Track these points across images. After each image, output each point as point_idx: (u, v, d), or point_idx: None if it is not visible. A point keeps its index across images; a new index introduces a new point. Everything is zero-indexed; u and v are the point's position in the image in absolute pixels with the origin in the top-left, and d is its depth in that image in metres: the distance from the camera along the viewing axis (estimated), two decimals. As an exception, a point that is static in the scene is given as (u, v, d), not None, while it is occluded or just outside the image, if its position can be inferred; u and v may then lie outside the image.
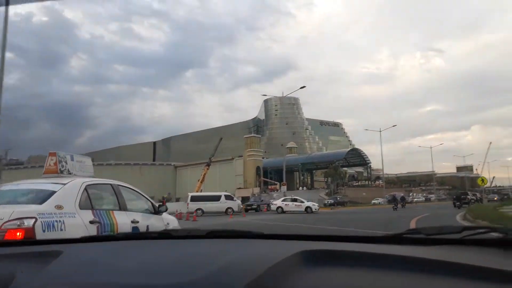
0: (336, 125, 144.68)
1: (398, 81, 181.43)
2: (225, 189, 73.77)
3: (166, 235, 1.44)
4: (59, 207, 4.29)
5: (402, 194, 45.35)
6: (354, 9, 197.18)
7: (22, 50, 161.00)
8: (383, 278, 0.72)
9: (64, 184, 4.65)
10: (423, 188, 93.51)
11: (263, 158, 76.81)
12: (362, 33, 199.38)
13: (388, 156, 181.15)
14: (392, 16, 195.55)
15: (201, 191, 49.23)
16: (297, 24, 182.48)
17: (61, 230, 4.06)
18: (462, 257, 0.78)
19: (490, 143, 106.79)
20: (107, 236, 1.74)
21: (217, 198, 33.44)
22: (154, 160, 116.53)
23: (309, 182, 75.12)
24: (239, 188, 69.49)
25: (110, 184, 5.40)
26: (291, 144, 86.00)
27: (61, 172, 5.34)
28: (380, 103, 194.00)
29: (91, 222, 4.47)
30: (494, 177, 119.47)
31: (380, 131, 47.78)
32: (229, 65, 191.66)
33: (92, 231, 4.38)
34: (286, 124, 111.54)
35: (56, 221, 4.09)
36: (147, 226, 5.39)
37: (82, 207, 4.54)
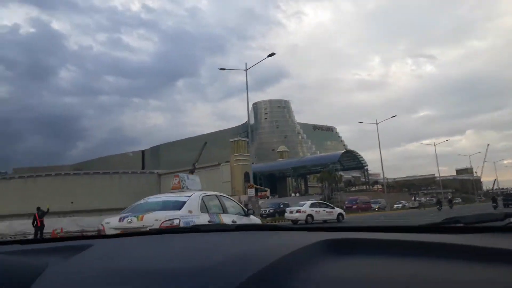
0: (330, 129, 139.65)
1: (390, 87, 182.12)
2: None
3: (195, 229, 1.53)
4: (190, 211, 7.37)
5: (450, 197, 48.11)
6: (344, 17, 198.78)
7: (10, 62, 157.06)
8: (417, 266, 0.69)
9: (189, 196, 7.89)
10: (425, 191, 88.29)
11: (252, 163, 70.93)
12: (353, 40, 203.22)
13: (384, 162, 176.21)
14: (382, 24, 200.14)
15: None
16: (288, 33, 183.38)
17: None
18: (505, 243, 0.74)
19: (488, 144, 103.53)
20: (138, 233, 1.80)
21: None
22: (143, 168, 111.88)
23: (303, 187, 69.22)
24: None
25: (215, 195, 8.65)
26: (282, 148, 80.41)
27: (183, 188, 9.19)
28: (373, 109, 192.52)
29: (209, 222, 7.18)
30: (495, 180, 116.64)
31: (377, 123, 43.17)
32: (220, 74, 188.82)
33: None
34: (277, 128, 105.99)
35: (190, 221, 6.78)
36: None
37: (202, 211, 7.60)
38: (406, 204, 52.03)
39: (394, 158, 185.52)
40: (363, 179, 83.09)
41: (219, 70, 30.22)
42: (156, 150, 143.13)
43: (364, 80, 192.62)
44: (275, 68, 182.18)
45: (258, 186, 67.11)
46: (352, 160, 68.39)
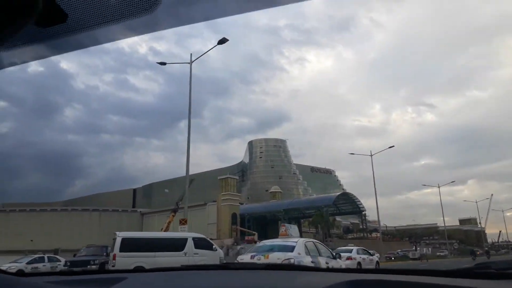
0: (329, 172, 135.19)
1: (391, 134, 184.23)
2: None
3: (225, 266, 1.60)
4: (299, 253, 9.82)
5: (487, 249, 49.80)
6: (346, 65, 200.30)
7: (16, 99, 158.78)
8: None
9: (296, 241, 10.57)
10: (427, 242, 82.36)
11: (241, 204, 65.85)
12: (354, 87, 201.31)
13: (386, 210, 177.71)
14: (383, 73, 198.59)
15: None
16: (290, 78, 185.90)
17: None
18: None
19: (492, 194, 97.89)
20: (171, 268, 1.87)
21: (178, 245, 15.98)
22: (133, 207, 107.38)
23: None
24: (210, 239, 57.69)
25: (312, 241, 11.53)
26: (274, 188, 75.51)
27: (288, 235, 13.25)
28: (374, 156, 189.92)
29: (311, 262, 9.58)
30: (500, 232, 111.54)
31: (371, 155, 40.66)
32: (223, 116, 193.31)
33: None
34: (272, 167, 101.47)
35: (300, 261, 9.04)
36: (332, 266, 10.07)
37: (306, 254, 10.06)
38: (400, 253, 46.05)
39: (395, 207, 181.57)
40: (362, 226, 77.87)
41: (158, 63, 26.88)
42: (148, 189, 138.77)
43: (365, 127, 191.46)
44: (277, 112, 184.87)
45: (245, 229, 61.79)
46: (349, 204, 63.34)
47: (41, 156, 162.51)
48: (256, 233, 58.42)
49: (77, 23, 0.87)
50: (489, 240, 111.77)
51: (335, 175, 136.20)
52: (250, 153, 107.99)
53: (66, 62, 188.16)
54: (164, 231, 52.38)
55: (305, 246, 10.34)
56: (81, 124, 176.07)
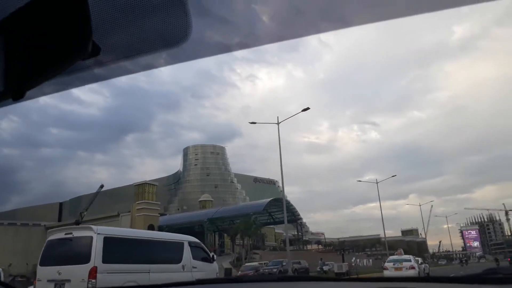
0: (272, 182, 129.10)
1: (337, 151, 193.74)
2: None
3: (283, 278, 1.68)
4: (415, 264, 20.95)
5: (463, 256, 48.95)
6: (295, 85, 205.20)
7: None
8: None
9: (409, 256, 22.95)
10: (369, 253, 78.07)
11: (162, 214, 56.61)
12: (303, 105, 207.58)
13: (332, 223, 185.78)
14: (331, 92, 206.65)
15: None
16: (242, 95, 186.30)
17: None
18: None
19: (432, 205, 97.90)
20: (235, 279, 2.01)
21: (174, 254, 10.49)
22: (59, 220, 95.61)
23: (221, 244, 55.40)
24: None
25: (413, 257, 22.85)
26: (204, 197, 67.05)
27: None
28: (322, 172, 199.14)
29: (419, 272, 21.07)
30: (440, 242, 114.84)
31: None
32: (172, 130, 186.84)
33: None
34: (207, 175, 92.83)
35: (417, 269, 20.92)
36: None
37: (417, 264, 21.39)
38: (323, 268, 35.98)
39: (341, 220, 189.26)
40: (304, 237, 72.06)
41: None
42: (76, 201, 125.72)
43: (313, 143, 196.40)
44: (228, 127, 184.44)
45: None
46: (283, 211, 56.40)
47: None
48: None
49: (108, 56, 0.95)
50: (430, 250, 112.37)
51: (278, 186, 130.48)
52: (184, 160, 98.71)
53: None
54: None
55: (415, 259, 20.42)
56: (19, 137, 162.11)
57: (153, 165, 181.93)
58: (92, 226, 9.04)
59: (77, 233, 9.07)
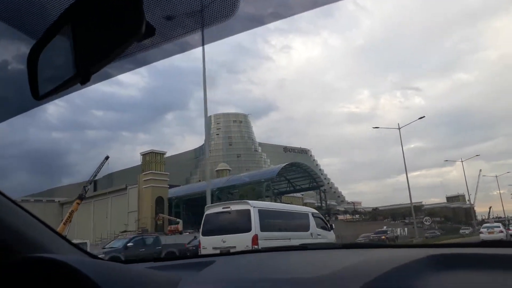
0: (304, 151, 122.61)
1: (379, 119, 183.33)
2: (114, 232, 49.41)
3: (303, 247, 1.66)
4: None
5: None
6: (333, 52, 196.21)
7: None
8: None
9: None
10: (406, 221, 71.00)
11: (169, 186, 52.31)
12: (341, 75, 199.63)
13: (376, 193, 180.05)
14: (370, 59, 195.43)
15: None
16: (277, 67, 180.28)
17: None
18: None
19: (480, 170, 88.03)
20: (255, 250, 1.98)
21: (303, 223, 12.92)
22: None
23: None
24: (124, 231, 44.41)
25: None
26: (221, 166, 62.02)
27: None
28: (363, 142, 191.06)
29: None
30: (491, 208, 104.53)
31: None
32: (209, 106, 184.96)
33: None
34: (230, 145, 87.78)
35: None
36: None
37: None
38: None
39: (386, 190, 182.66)
40: (339, 207, 67.08)
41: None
42: (109, 177, 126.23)
43: (353, 113, 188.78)
44: (264, 102, 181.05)
45: (169, 217, 48.49)
46: (306, 178, 50.16)
47: (26, 155, 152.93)
48: (181, 221, 45.21)
49: (162, 35, 0.97)
50: (479, 217, 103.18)
51: (311, 155, 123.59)
52: (206, 129, 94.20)
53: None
54: (65, 222, 40.39)
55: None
56: (66, 121, 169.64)
57: (192, 142, 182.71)
58: (248, 201, 10.79)
59: (234, 207, 10.74)
